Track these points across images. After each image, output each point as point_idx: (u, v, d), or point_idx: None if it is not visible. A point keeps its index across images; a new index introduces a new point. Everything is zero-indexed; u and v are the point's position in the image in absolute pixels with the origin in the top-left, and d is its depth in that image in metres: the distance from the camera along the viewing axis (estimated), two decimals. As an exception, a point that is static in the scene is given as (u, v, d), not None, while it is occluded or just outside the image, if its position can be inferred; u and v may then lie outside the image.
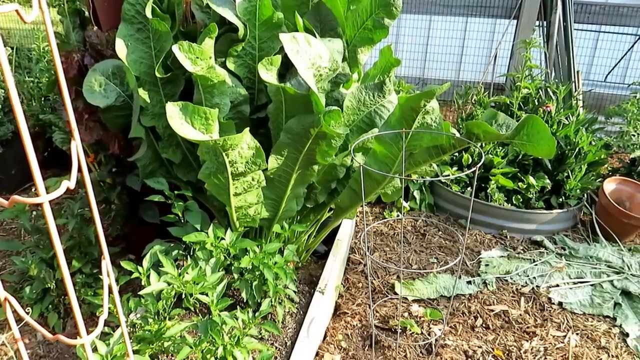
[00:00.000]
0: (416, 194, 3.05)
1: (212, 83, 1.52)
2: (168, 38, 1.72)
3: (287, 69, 1.79)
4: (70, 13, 2.12)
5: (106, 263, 0.88)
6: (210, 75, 1.49)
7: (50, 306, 2.04)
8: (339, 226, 2.44)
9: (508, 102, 3.09)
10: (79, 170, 0.74)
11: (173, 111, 1.26)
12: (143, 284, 1.55)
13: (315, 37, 1.76)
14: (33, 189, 3.19)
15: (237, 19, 1.69)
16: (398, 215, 2.95)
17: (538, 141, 1.56)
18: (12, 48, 4.10)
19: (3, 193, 3.08)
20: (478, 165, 1.41)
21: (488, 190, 2.89)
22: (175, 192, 1.80)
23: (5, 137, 2.92)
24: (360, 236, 2.74)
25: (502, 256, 2.63)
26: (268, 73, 1.48)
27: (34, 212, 2.63)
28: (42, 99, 3.15)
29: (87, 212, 2.09)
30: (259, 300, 1.72)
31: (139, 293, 1.45)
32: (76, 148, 0.74)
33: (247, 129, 1.36)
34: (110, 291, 0.85)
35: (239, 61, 1.77)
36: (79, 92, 1.95)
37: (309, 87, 1.66)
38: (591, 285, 2.41)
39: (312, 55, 1.56)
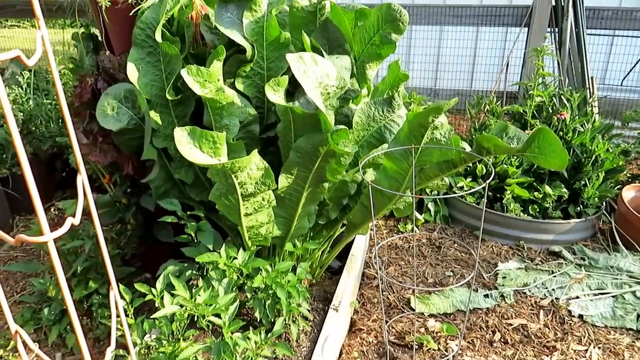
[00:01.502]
0: (430, 206, 3.03)
1: (221, 105, 1.54)
2: (178, 61, 1.74)
3: (295, 87, 1.80)
4: (84, 38, 2.17)
5: (114, 294, 0.89)
6: (219, 97, 1.51)
7: (68, 327, 2.06)
8: (352, 241, 2.43)
9: (521, 111, 3.06)
10: (85, 198, 0.75)
11: (181, 136, 1.28)
12: (157, 305, 1.57)
13: (323, 55, 1.77)
14: (52, 209, 3.25)
15: (245, 40, 1.71)
16: (412, 229, 2.93)
17: (550, 153, 1.54)
18: (31, 71, 4.21)
19: (22, 214, 3.14)
20: (488, 182, 1.40)
21: (504, 201, 2.85)
22: (188, 212, 1.81)
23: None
24: (377, 249, 2.73)
25: (519, 268, 2.59)
26: (275, 94, 1.49)
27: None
28: (60, 120, 3.22)
29: (102, 233, 2.12)
30: (272, 319, 1.72)
31: (151, 317, 1.46)
32: (82, 182, 0.75)
33: (256, 150, 1.37)
34: (120, 323, 0.86)
35: (247, 81, 1.79)
36: (92, 115, 1.99)
37: (317, 106, 1.67)
38: (613, 296, 2.36)
39: (319, 74, 1.57)
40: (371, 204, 1.54)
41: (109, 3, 1.89)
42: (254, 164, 1.41)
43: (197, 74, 1.47)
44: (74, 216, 0.70)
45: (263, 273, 1.70)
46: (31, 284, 2.30)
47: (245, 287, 1.73)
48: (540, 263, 2.64)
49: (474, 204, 2.92)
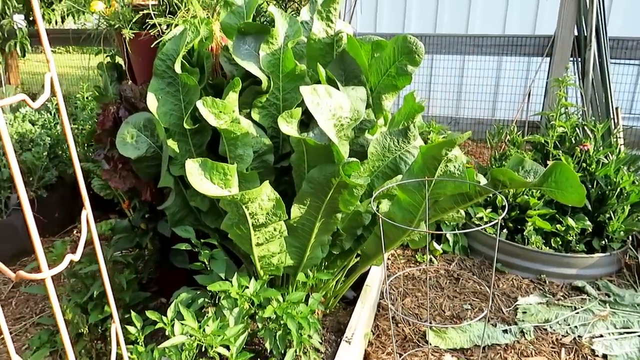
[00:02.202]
0: (449, 236, 2.99)
1: (235, 135, 1.56)
2: (196, 91, 1.78)
3: (310, 118, 1.82)
4: (109, 67, 2.25)
5: (115, 328, 0.90)
6: (233, 128, 1.54)
7: (83, 351, 2.08)
8: (368, 271, 2.41)
9: (543, 141, 3.01)
10: (89, 232, 0.77)
11: (192, 167, 1.30)
12: (167, 334, 1.57)
13: (338, 86, 1.79)
14: (75, 231, 3.31)
15: (261, 72, 1.74)
16: (429, 260, 2.88)
17: (567, 188, 1.51)
18: (63, 96, 4.35)
19: (46, 236, 3.21)
20: (502, 216, 1.37)
21: (525, 233, 2.79)
22: (202, 240, 1.83)
23: (50, 182, 3.07)
24: (390, 281, 2.69)
25: (540, 303, 2.51)
26: (288, 126, 1.51)
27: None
28: (85, 145, 3.31)
29: (120, 257, 2.15)
30: (283, 351, 1.70)
31: (159, 346, 1.46)
32: (86, 217, 0.77)
33: (267, 182, 1.38)
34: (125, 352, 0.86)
35: (263, 112, 1.81)
36: (113, 143, 2.04)
37: (329, 137, 1.68)
38: (639, 335, 2.26)
39: (332, 106, 1.59)
40: (382, 237, 1.52)
41: (133, 35, 1.96)
42: (265, 194, 1.42)
43: (212, 105, 1.50)
44: (74, 252, 0.71)
45: (274, 303, 1.69)
46: (49, 307, 2.33)
47: (257, 316, 1.72)
48: (562, 298, 2.56)
49: (494, 236, 2.86)
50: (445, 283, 2.71)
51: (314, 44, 1.96)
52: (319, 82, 1.82)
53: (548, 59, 3.55)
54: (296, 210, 1.66)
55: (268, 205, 1.45)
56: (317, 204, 1.66)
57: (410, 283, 2.70)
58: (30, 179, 2.98)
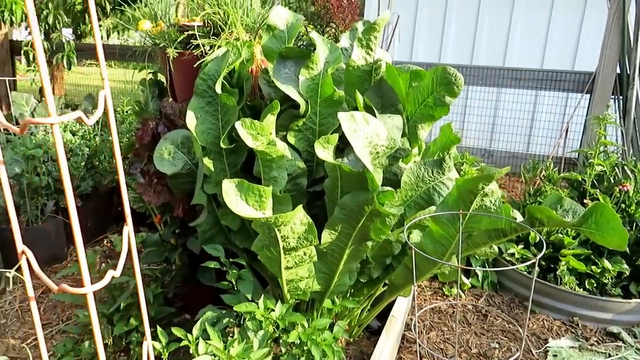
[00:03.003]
0: (478, 270, 2.92)
1: (271, 157, 1.57)
2: (235, 112, 1.81)
3: (346, 144, 1.82)
4: (151, 84, 2.31)
5: (147, 345, 0.90)
6: (269, 150, 1.55)
7: (105, 362, 2.09)
8: (394, 301, 2.36)
9: (580, 179, 2.94)
10: (130, 255, 0.78)
11: (229, 188, 1.31)
12: (191, 352, 1.56)
13: (375, 114, 1.79)
14: (105, 241, 3.37)
15: (300, 97, 1.76)
16: (458, 294, 2.82)
17: (607, 231, 1.46)
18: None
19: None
20: (539, 257, 1.33)
21: (557, 272, 2.71)
22: (231, 259, 1.83)
23: (85, 192, 3.14)
24: (420, 314, 2.64)
25: (572, 347, 2.41)
26: (324, 151, 1.51)
27: (102, 265, 2.76)
28: (123, 157, 3.39)
29: (148, 271, 2.17)
30: (305, 377, 1.67)
31: (183, 364, 1.46)
32: (127, 234, 0.78)
33: (300, 206, 1.38)
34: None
35: (299, 135, 1.82)
36: (151, 157, 2.08)
37: (364, 164, 1.67)
38: (677, 389, 2.15)
39: (369, 133, 1.58)
40: (413, 269, 1.50)
41: (177, 54, 2.01)
42: (297, 218, 1.42)
43: (250, 126, 1.52)
44: (114, 268, 0.72)
45: (299, 328, 1.67)
46: (76, 315, 2.36)
47: (281, 340, 1.70)
48: (595, 344, 2.46)
49: (525, 273, 2.78)
50: (473, 319, 2.64)
51: (352, 70, 1.97)
52: (356, 108, 1.82)
53: (588, 95, 3.48)
54: (327, 236, 1.65)
55: (300, 229, 1.45)
56: (348, 231, 1.64)
57: (436, 316, 2.64)
58: (67, 187, 3.06)
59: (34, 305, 0.76)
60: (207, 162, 1.82)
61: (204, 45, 1.93)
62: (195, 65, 1.99)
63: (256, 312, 1.64)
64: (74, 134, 3.25)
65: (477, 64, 5.08)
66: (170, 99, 2.07)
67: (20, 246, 0.89)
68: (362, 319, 2.16)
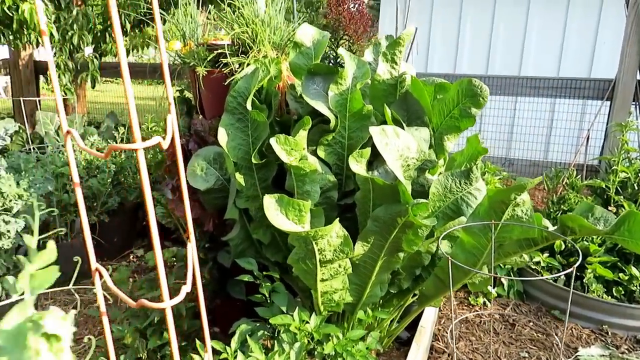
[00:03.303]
0: (504, 280, 2.92)
1: (305, 172, 1.61)
2: (265, 128, 1.85)
3: (375, 157, 1.85)
4: (179, 101, 2.36)
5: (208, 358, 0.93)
6: (303, 165, 1.58)
7: (140, 376, 2.12)
8: (422, 312, 2.37)
9: (604, 186, 2.94)
10: (193, 274, 0.81)
11: (270, 202, 1.35)
12: (229, 364, 1.59)
13: (403, 127, 1.82)
14: (132, 257, 3.42)
15: (329, 111, 1.80)
16: (484, 303, 2.82)
17: (642, 238, 1.47)
18: (124, 125, 4.57)
19: (105, 259, 3.33)
20: (575, 266, 1.35)
21: (584, 280, 2.70)
22: (264, 272, 1.86)
23: (112, 208, 3.20)
24: (443, 322, 2.64)
25: (603, 355, 2.40)
26: (358, 165, 1.54)
27: (131, 281, 2.81)
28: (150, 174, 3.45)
29: (178, 285, 2.21)
30: (340, 389, 1.69)
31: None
32: (191, 251, 0.81)
33: (337, 219, 1.41)
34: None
35: (329, 149, 1.86)
36: (182, 174, 2.13)
37: (396, 177, 1.70)
38: None
39: (400, 146, 1.62)
40: (450, 278, 1.51)
41: (206, 72, 2.06)
42: (334, 231, 1.45)
43: (284, 142, 1.56)
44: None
45: (334, 340, 1.69)
46: (113, 329, 2.40)
47: (315, 352, 1.72)
48: (626, 352, 2.44)
49: (552, 282, 2.78)
50: (500, 328, 2.63)
51: (378, 84, 2.01)
52: (383, 121, 1.86)
53: (608, 102, 3.49)
54: (359, 248, 1.67)
55: (336, 242, 1.48)
56: (381, 243, 1.67)
57: (463, 326, 2.64)
58: (95, 204, 3.12)
59: (105, 320, 0.79)
60: (239, 177, 1.86)
61: (232, 64, 1.98)
62: (224, 83, 2.04)
63: (292, 324, 1.66)
64: (100, 151, 3.32)
65: (492, 73, 5.10)
66: (201, 116, 2.12)
67: (93, 264, 0.94)
68: (392, 330, 2.17)
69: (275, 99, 2.03)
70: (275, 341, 1.75)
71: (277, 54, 2.07)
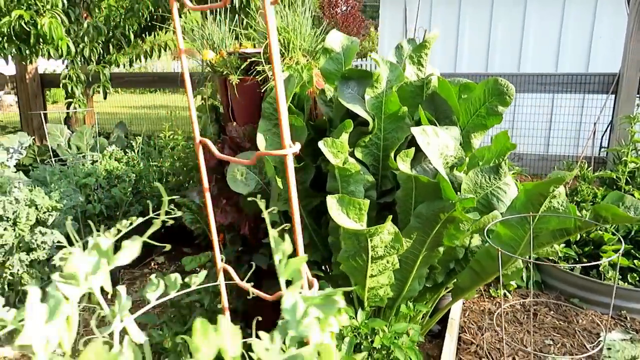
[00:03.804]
0: (523, 271, 3.00)
1: (350, 173, 1.68)
2: (303, 132, 1.92)
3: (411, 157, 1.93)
4: (210, 109, 2.42)
5: None
6: (349, 166, 1.65)
7: (182, 379, 2.17)
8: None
9: (614, 177, 3.04)
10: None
11: (332, 203, 1.42)
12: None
13: (436, 126, 1.90)
14: (152, 263, 3.46)
15: (367, 114, 1.87)
16: (505, 294, 2.90)
17: (674, 224, 1.56)
18: (135, 135, 4.60)
19: (127, 267, 3.37)
20: (619, 253, 1.43)
21: (600, 268, 2.80)
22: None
23: (133, 217, 3.24)
24: (467, 315, 2.72)
25: (624, 339, 2.49)
26: (404, 164, 1.62)
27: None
28: (164, 181, 3.50)
29: (217, 288, 2.26)
30: (388, 380, 1.76)
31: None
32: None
33: (390, 216, 1.48)
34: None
35: (365, 150, 1.93)
36: (217, 179, 2.18)
37: (435, 174, 1.78)
38: None
39: (440, 145, 1.69)
40: (499, 265, 1.59)
41: (238, 80, 2.12)
42: (386, 229, 1.52)
43: (332, 145, 1.63)
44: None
45: (380, 333, 1.76)
46: (151, 336, 2.44)
47: (362, 346, 1.79)
48: (646, 335, 2.54)
49: (569, 271, 2.87)
50: (523, 318, 2.72)
51: (405, 86, 2.08)
52: (416, 122, 1.93)
53: (613, 96, 3.60)
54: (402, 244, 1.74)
55: (388, 238, 1.55)
56: (423, 238, 1.74)
57: (488, 318, 2.72)
58: (117, 213, 3.16)
59: (227, 315, 0.86)
60: (278, 180, 1.93)
61: (264, 72, 2.05)
62: (258, 90, 2.10)
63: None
64: (118, 161, 3.36)
65: (491, 71, 5.21)
66: (235, 123, 2.18)
67: (220, 263, 1.00)
68: (425, 324, 2.24)
69: (307, 103, 2.10)
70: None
71: (307, 60, 2.14)
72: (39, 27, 2.98)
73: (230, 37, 2.34)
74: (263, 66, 2.01)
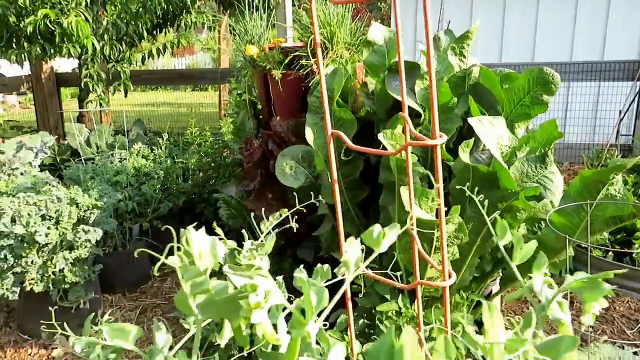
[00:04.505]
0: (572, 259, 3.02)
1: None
2: (352, 125, 1.93)
3: (451, 150, 1.93)
4: (250, 105, 2.42)
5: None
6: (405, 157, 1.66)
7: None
8: (490, 294, 2.46)
9: (644, 164, 3.06)
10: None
11: (406, 194, 1.42)
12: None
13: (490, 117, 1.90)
14: (181, 261, 3.46)
15: (418, 106, 1.87)
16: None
17: None
18: (155, 133, 4.60)
19: (156, 261, 3.36)
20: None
21: (634, 255, 2.81)
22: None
23: (162, 214, 3.24)
24: (504, 304, 2.74)
25: (663, 325, 2.52)
26: (464, 154, 1.62)
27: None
28: (190, 178, 3.50)
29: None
30: (445, 370, 1.77)
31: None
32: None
33: (459, 207, 1.49)
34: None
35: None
36: (263, 175, 2.19)
37: (488, 163, 1.79)
38: None
39: (496, 135, 1.70)
40: (567, 256, 1.60)
41: (281, 75, 2.12)
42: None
43: (391, 137, 1.63)
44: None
45: (437, 324, 1.77)
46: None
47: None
48: (684, 320, 2.56)
49: (602, 258, 2.89)
50: (560, 306, 2.74)
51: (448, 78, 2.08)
52: (467, 114, 1.94)
53: (639, 83, 3.61)
54: (458, 234, 1.75)
55: (452, 229, 1.56)
56: (479, 228, 1.75)
57: (524, 307, 2.74)
58: (147, 210, 3.16)
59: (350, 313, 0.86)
60: (327, 174, 1.93)
61: (312, 65, 2.05)
62: (302, 85, 2.11)
63: (397, 310, 1.74)
64: (146, 158, 3.36)
65: (506, 61, 5.21)
66: (279, 118, 2.18)
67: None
68: (470, 314, 2.26)
69: (351, 97, 2.10)
70: (376, 329, 1.83)
71: (350, 53, 2.14)
72: (65, 26, 2.96)
73: (267, 32, 2.34)
74: (309, 60, 2.01)
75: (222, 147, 3.20)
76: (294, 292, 0.76)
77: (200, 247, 0.55)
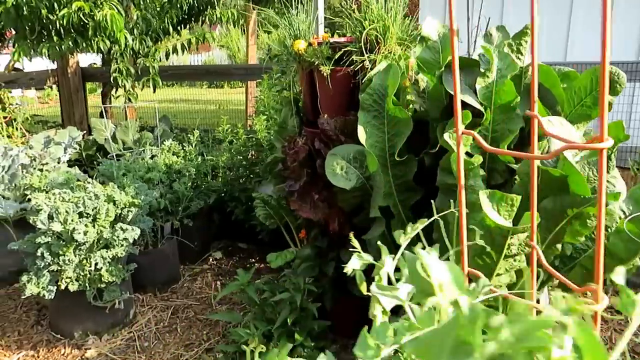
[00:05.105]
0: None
1: (472, 167, 1.59)
2: (408, 124, 1.84)
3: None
4: (287, 102, 2.34)
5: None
6: (472, 159, 1.57)
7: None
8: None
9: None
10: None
11: (484, 198, 1.34)
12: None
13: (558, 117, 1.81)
14: (211, 259, 3.40)
15: (479, 105, 1.78)
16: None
17: None
18: (181, 129, 4.54)
19: (186, 263, 3.30)
20: None
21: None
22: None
23: (193, 212, 3.18)
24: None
25: None
26: (536, 157, 1.53)
27: (218, 284, 2.79)
28: (221, 176, 3.43)
29: (308, 285, 2.19)
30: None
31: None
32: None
33: (528, 213, 1.39)
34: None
35: (473, 143, 1.84)
36: (309, 174, 2.11)
37: (553, 167, 1.69)
38: None
39: (566, 135, 1.60)
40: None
41: (329, 71, 2.04)
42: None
43: (454, 137, 1.54)
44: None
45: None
46: (229, 333, 2.38)
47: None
48: None
49: None
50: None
51: (504, 75, 1.99)
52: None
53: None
54: (522, 241, 1.66)
55: (522, 235, 1.47)
56: (544, 235, 1.66)
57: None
58: (179, 208, 3.10)
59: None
60: (381, 175, 1.85)
61: (364, 61, 1.96)
62: (352, 81, 2.03)
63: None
64: (177, 155, 3.29)
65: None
66: (326, 116, 2.10)
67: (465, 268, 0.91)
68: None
69: (403, 94, 2.02)
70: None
71: (402, 49, 2.05)
72: (99, 18, 2.91)
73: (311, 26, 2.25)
74: (363, 55, 1.93)
75: (255, 145, 3.12)
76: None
77: (441, 276, 0.46)
